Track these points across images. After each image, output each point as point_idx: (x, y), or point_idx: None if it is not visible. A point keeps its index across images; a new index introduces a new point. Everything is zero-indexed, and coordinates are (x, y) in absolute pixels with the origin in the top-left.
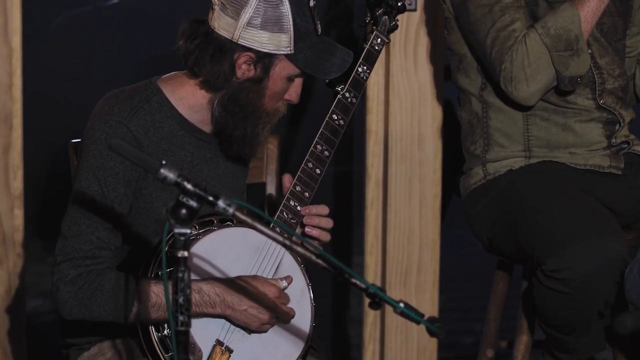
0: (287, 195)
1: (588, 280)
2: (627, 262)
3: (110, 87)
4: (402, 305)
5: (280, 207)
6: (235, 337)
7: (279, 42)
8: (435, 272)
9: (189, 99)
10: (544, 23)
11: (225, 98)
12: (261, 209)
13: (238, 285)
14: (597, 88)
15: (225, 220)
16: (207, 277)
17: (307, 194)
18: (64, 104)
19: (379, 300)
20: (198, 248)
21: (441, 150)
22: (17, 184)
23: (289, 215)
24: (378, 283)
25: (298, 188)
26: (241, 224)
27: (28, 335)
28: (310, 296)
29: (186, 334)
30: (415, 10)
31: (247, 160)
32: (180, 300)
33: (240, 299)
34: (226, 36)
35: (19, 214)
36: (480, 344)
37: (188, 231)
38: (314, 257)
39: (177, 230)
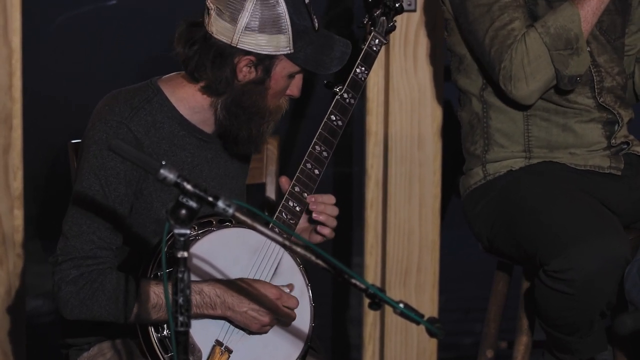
0: (286, 196)
1: (591, 281)
2: (629, 262)
3: (111, 88)
4: (401, 305)
5: (279, 208)
6: (234, 338)
7: (278, 43)
8: (435, 273)
9: (189, 99)
10: (544, 22)
11: (228, 101)
12: (260, 210)
13: (239, 286)
14: (595, 86)
15: (224, 221)
16: (208, 279)
17: (305, 194)
18: (64, 105)
19: (378, 300)
20: (197, 249)
21: (441, 151)
22: (17, 184)
23: (288, 216)
24: (378, 283)
25: (297, 189)
26: (240, 224)
27: (28, 335)
28: (310, 296)
29: (186, 334)
30: (414, 11)
31: (248, 160)
32: (180, 300)
33: (240, 300)
34: (225, 41)
35: (18, 214)
36: (480, 344)
37: (188, 232)
38: (313, 258)
39: (176, 231)
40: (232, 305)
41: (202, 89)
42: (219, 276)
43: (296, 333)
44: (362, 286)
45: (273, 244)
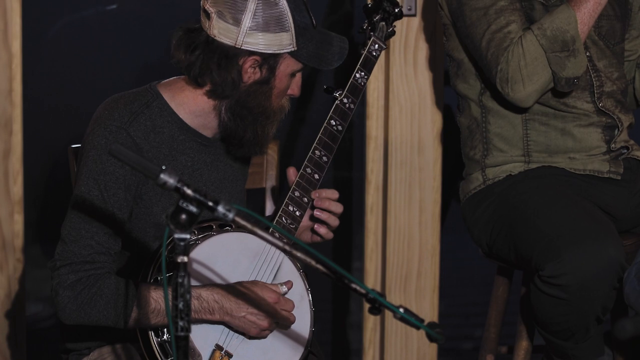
0: (286, 200)
1: (586, 286)
2: (624, 268)
3: (111, 92)
4: (402, 310)
5: (279, 212)
6: (234, 342)
7: (281, 41)
8: (435, 278)
9: (189, 103)
10: (540, 24)
11: (233, 103)
12: (261, 214)
13: (237, 291)
14: (595, 91)
15: (224, 226)
16: (207, 283)
17: (305, 199)
18: (63, 110)
19: (378, 305)
20: (197, 253)
21: (441, 156)
22: (17, 189)
23: (288, 221)
24: (378, 288)
25: (297, 193)
26: (240, 229)
27: (28, 340)
28: (310, 301)
29: (186, 339)
30: (414, 15)
31: (247, 164)
32: (180, 305)
33: (238, 305)
34: (229, 43)
35: (19, 219)
36: (480, 349)
37: (188, 236)
38: (313, 262)
39: (176, 236)
40: (231, 310)
41: (207, 93)
42: (219, 281)
43: (296, 338)
44: (362, 291)
45: (273, 248)
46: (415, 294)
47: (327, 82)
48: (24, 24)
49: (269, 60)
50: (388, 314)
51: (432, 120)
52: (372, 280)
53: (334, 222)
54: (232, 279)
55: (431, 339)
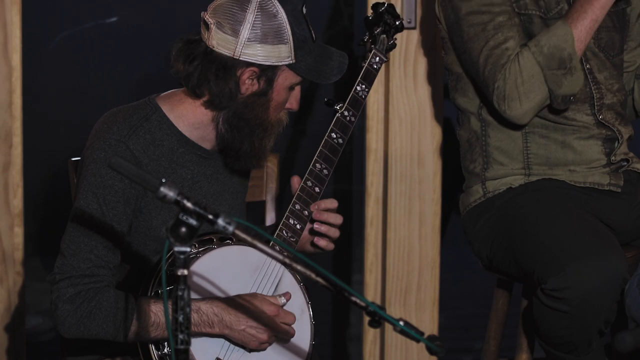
0: (287, 213)
1: (588, 299)
2: (627, 280)
3: (110, 105)
4: (401, 323)
5: (280, 226)
6: (235, 356)
7: (280, 53)
8: (435, 290)
9: (188, 116)
10: (537, 41)
11: (230, 115)
12: (261, 227)
13: (237, 304)
14: (595, 103)
15: (225, 239)
16: (206, 297)
17: (306, 212)
18: (63, 122)
19: (378, 318)
20: (198, 266)
21: (441, 169)
22: (17, 202)
23: (289, 234)
24: (378, 301)
25: (297, 206)
26: (241, 242)
27: (28, 353)
28: (310, 314)
29: (186, 352)
30: (414, 28)
31: (247, 177)
32: (180, 318)
33: (238, 318)
34: (227, 54)
35: (18, 232)
36: None
37: (188, 249)
38: (313, 276)
39: (176, 249)
40: (230, 324)
41: (205, 104)
42: (219, 294)
43: (296, 351)
44: (362, 304)
45: (274, 261)
46: (415, 306)
47: (328, 95)
48: (24, 37)
49: (267, 72)
50: (388, 327)
51: (432, 133)
52: (372, 293)
53: (334, 233)
54: (233, 292)
55: (431, 351)
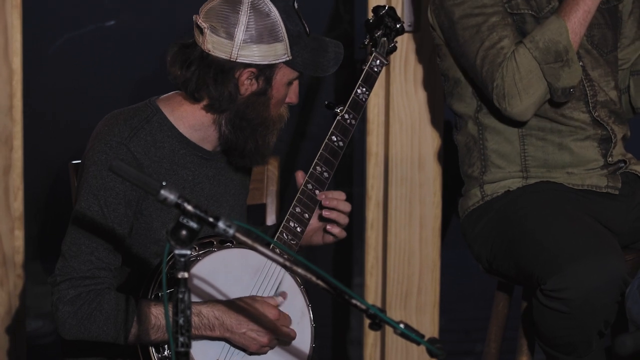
0: (287, 216)
1: (588, 300)
2: (627, 281)
3: (111, 108)
4: (402, 326)
5: (280, 229)
6: (235, 359)
7: (276, 52)
8: (435, 293)
9: (189, 118)
10: (532, 37)
11: (233, 116)
12: (262, 229)
13: (238, 307)
14: (589, 101)
15: (225, 241)
16: (207, 300)
17: (306, 215)
18: (64, 126)
19: (379, 321)
20: (198, 269)
21: (441, 172)
22: (18, 205)
23: (289, 237)
24: (378, 304)
25: (298, 209)
26: (241, 245)
27: (28, 356)
28: (310, 317)
29: (186, 354)
30: (415, 31)
31: (248, 178)
32: (181, 321)
33: (239, 321)
34: (224, 57)
35: (19, 235)
36: None
37: (188, 252)
38: (314, 278)
39: (177, 252)
40: (231, 327)
41: (205, 107)
42: (220, 297)
43: (297, 354)
44: (363, 307)
45: (274, 264)
46: (415, 309)
47: (328, 97)
48: (24, 40)
49: (265, 71)
50: (388, 330)
51: (432, 136)
52: (372, 296)
53: (344, 220)
54: (233, 295)
55: (432, 354)
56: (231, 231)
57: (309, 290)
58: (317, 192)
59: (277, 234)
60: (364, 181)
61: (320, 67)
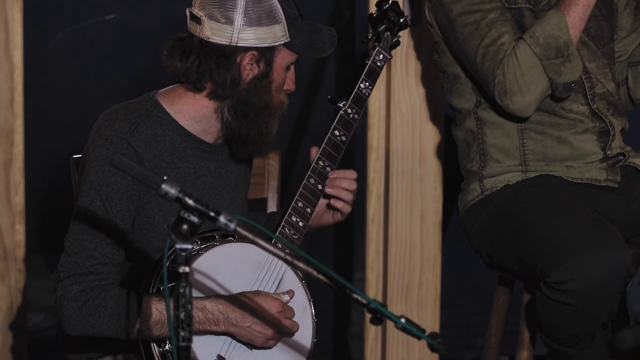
0: (289, 211)
1: (592, 291)
2: (631, 272)
3: (112, 102)
4: (403, 320)
5: (282, 223)
6: (236, 353)
7: (275, 34)
8: (436, 288)
9: (189, 110)
10: (532, 33)
11: (235, 102)
12: (268, 217)
13: (241, 301)
14: (587, 93)
15: (227, 236)
16: (210, 295)
17: (309, 209)
18: (65, 120)
19: (380, 315)
20: (200, 263)
21: (442, 166)
22: (19, 199)
23: (291, 231)
24: (379, 298)
25: (300, 204)
26: (243, 239)
27: (29, 350)
28: (312, 312)
29: (187, 349)
30: (416, 25)
31: (250, 170)
32: (182, 315)
33: (243, 315)
34: (224, 42)
35: (20, 229)
36: (482, 359)
37: (189, 247)
38: (315, 273)
39: (178, 246)
40: (236, 321)
41: (208, 96)
42: (221, 291)
43: (298, 348)
44: (364, 301)
45: (276, 259)
46: (416, 304)
47: (330, 92)
48: (25, 34)
49: (265, 54)
50: (389, 324)
51: (433, 130)
52: (373, 291)
53: (346, 196)
54: (235, 289)
55: (432, 349)
56: (232, 225)
57: (310, 284)
58: (319, 186)
59: (279, 228)
60: (364, 175)
61: (317, 48)
